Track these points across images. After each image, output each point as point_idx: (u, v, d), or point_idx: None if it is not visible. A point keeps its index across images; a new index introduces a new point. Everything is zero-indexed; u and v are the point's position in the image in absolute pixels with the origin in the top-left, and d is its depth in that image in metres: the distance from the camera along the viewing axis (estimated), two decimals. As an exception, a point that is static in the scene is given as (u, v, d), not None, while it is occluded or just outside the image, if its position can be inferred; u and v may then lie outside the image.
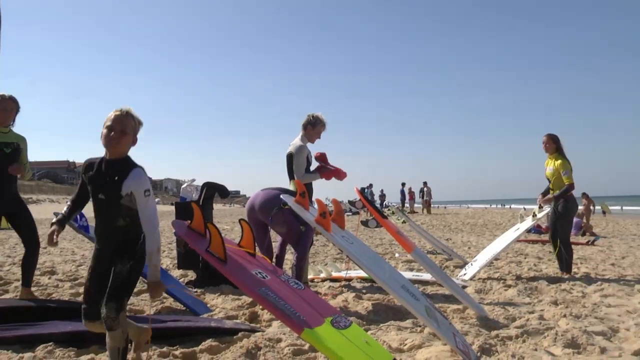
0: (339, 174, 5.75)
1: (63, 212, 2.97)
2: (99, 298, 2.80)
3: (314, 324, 2.59)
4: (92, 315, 2.84)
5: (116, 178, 2.74)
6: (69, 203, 3.01)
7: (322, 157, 5.90)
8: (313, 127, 5.84)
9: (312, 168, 5.90)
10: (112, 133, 2.75)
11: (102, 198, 2.77)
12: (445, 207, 51.79)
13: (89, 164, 2.88)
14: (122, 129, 2.77)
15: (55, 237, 2.85)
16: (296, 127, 5.96)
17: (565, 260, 6.99)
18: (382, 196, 33.63)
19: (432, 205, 33.64)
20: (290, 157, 5.77)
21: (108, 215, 2.79)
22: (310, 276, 6.82)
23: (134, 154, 2.81)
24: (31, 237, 4.94)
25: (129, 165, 2.78)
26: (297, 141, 5.84)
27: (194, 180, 6.69)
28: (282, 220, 5.04)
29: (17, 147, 4.96)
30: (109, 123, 2.78)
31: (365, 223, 6.73)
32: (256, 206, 5.14)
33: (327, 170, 5.75)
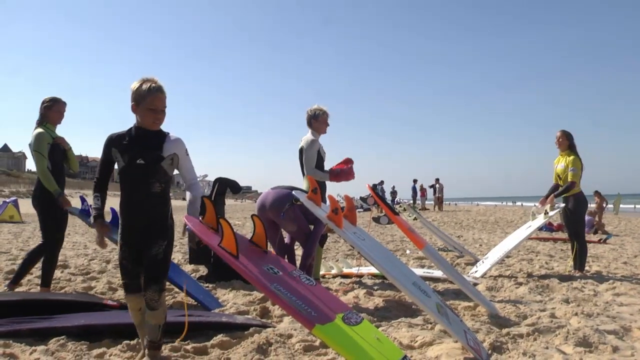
0: (348, 176, 5.71)
1: (95, 205, 3.07)
2: (139, 270, 3.01)
3: (325, 320, 2.59)
4: (133, 288, 3.02)
5: (157, 142, 2.94)
6: (97, 194, 3.09)
7: (344, 162, 5.83)
8: (316, 119, 5.83)
9: (326, 164, 5.87)
10: (161, 115, 2.94)
11: (142, 163, 2.91)
12: (456, 204, 51.61)
13: (118, 136, 2.97)
14: (165, 108, 2.96)
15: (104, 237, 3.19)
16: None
17: (578, 258, 6.95)
18: (394, 193, 33.59)
19: (444, 202, 33.51)
20: (301, 152, 5.76)
21: (144, 181, 2.92)
22: (321, 272, 6.82)
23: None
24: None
25: (163, 132, 3.01)
26: (308, 135, 5.82)
27: (206, 175, 6.72)
28: (293, 217, 5.04)
29: (64, 147, 5.38)
30: (156, 105, 2.90)
31: (376, 220, 6.73)
32: (267, 205, 5.15)
33: (337, 174, 5.70)
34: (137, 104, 2.92)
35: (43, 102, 5.30)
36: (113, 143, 2.95)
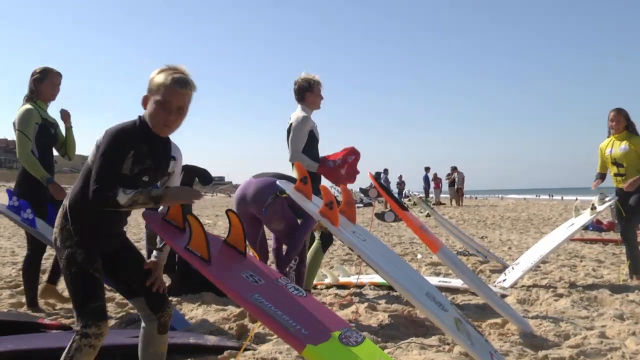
0: (338, 179, 5.70)
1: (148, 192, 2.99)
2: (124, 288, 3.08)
3: (318, 340, 2.61)
4: (106, 313, 2.95)
5: (166, 159, 3.00)
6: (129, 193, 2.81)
7: (346, 153, 5.83)
8: (311, 91, 5.83)
9: (321, 148, 5.88)
10: (175, 118, 2.89)
11: (146, 180, 2.92)
12: (476, 198, 51.73)
13: (136, 137, 2.86)
14: (184, 109, 2.92)
15: None
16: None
17: (632, 263, 7.00)
18: (401, 183, 33.73)
19: (464, 196, 33.63)
20: (289, 133, 5.76)
21: None
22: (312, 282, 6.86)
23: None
24: None
25: (169, 141, 3.05)
26: (298, 112, 5.82)
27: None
28: (278, 213, 4.97)
29: (57, 128, 5.53)
30: (171, 101, 2.84)
31: (380, 216, 6.75)
32: (248, 197, 5.06)
33: (329, 168, 5.67)
34: (149, 94, 2.89)
35: (33, 74, 5.38)
36: (133, 145, 2.84)
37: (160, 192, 2.72)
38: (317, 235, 5.99)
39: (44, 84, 5.35)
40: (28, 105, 5.26)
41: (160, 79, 2.85)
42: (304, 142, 5.66)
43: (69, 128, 5.49)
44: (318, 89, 5.87)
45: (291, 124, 5.74)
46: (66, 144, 5.53)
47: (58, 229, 2.91)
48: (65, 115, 5.45)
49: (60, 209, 2.95)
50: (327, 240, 6.11)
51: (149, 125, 2.88)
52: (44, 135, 5.28)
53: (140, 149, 2.84)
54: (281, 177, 5.12)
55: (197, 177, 6.40)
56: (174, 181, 3.11)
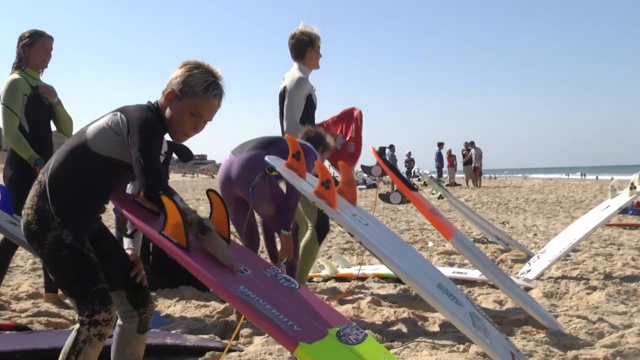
0: (351, 156, 5.73)
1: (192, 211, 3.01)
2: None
3: (313, 337, 2.62)
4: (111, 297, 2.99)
5: (168, 155, 3.08)
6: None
7: (343, 116, 5.82)
8: (313, 46, 5.77)
9: (317, 115, 5.83)
10: (200, 129, 3.03)
11: None
12: (495, 177, 51.71)
13: (161, 131, 3.01)
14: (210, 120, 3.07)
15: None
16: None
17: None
18: (410, 161, 33.69)
19: (482, 175, 33.62)
20: (283, 97, 5.69)
21: (125, 184, 3.15)
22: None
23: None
24: None
25: None
26: (294, 72, 5.75)
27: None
28: (267, 194, 4.89)
29: (49, 100, 5.43)
30: (206, 114, 2.98)
31: (385, 198, 6.73)
32: (233, 175, 4.95)
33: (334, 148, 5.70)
34: (179, 94, 2.95)
35: (20, 39, 5.35)
36: (160, 142, 3.01)
37: (212, 226, 2.86)
38: (310, 224, 5.87)
39: (34, 49, 5.31)
40: (15, 75, 5.24)
41: (199, 85, 2.91)
42: (302, 109, 5.59)
43: (56, 104, 5.43)
44: (318, 45, 5.81)
45: (285, 88, 5.66)
46: (58, 120, 5.47)
47: (32, 210, 2.89)
48: (45, 92, 5.35)
49: (35, 188, 2.94)
50: (322, 229, 5.94)
51: (163, 121, 2.97)
52: (34, 107, 5.24)
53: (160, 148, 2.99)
54: (267, 144, 5.04)
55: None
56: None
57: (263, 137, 5.14)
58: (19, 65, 5.31)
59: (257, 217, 5.29)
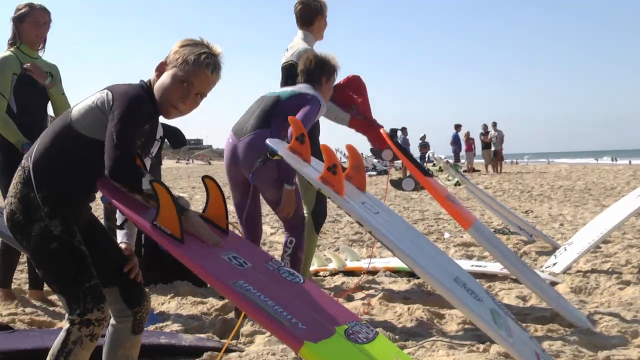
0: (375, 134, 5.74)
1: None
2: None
3: (319, 336, 2.62)
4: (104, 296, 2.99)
5: (154, 139, 3.13)
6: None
7: (353, 82, 5.81)
8: (322, 14, 5.74)
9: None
10: (193, 104, 3.02)
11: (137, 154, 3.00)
12: (517, 162, 51.63)
13: (151, 107, 2.97)
14: (205, 96, 3.07)
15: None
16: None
17: None
18: (425, 145, 33.57)
19: (503, 160, 33.55)
20: (289, 71, 5.63)
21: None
22: (313, 268, 6.88)
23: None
24: None
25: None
26: (299, 43, 5.71)
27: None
28: (270, 179, 4.90)
29: (51, 78, 5.43)
30: (202, 89, 2.99)
31: (397, 184, 6.70)
32: (240, 154, 4.96)
33: (359, 120, 5.68)
34: (170, 64, 2.96)
35: (14, 13, 5.34)
36: (149, 119, 2.96)
37: (188, 205, 2.85)
38: (306, 210, 5.79)
39: (25, 23, 5.29)
40: (5, 53, 5.23)
41: (189, 53, 2.92)
42: None
43: (50, 86, 5.38)
44: (325, 13, 5.81)
45: (290, 62, 5.62)
46: (53, 104, 5.44)
47: (15, 199, 2.88)
48: (32, 70, 5.28)
49: (18, 175, 2.92)
50: (319, 214, 5.92)
51: (155, 100, 2.96)
52: (25, 88, 5.22)
53: (145, 128, 2.95)
54: (266, 118, 5.00)
55: (167, 138, 6.37)
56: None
57: (260, 110, 5.07)
58: (13, 42, 5.30)
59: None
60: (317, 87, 5.22)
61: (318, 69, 5.25)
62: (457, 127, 32.27)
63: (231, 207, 5.15)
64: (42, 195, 2.84)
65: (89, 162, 2.90)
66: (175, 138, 6.39)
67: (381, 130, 5.97)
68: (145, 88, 2.97)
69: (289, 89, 5.21)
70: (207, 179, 3.12)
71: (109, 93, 2.86)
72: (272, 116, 4.98)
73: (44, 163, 2.87)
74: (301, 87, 5.16)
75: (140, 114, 2.84)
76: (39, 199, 2.83)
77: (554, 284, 6.05)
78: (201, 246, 2.87)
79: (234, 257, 2.94)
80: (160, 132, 3.20)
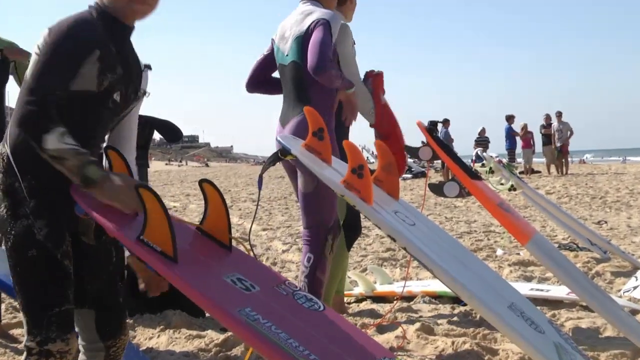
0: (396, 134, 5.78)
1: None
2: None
3: (344, 376, 2.63)
4: (72, 321, 2.99)
5: (140, 64, 3.19)
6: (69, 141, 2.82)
7: (376, 81, 5.87)
8: None
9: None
10: None
11: (117, 101, 3.06)
12: (583, 161, 51.34)
13: (99, 32, 2.95)
14: None
15: None
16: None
17: None
18: (483, 141, 32.90)
19: (569, 159, 33.33)
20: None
21: (102, 131, 3.19)
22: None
23: None
24: None
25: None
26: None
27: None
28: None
29: (4, 58, 5.61)
30: None
31: (437, 188, 6.69)
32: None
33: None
34: None
35: None
36: (97, 43, 2.91)
37: (97, 174, 2.75)
38: None
39: None
40: None
41: None
42: (352, 57, 5.73)
43: (20, 63, 5.48)
44: None
45: (309, 26, 5.56)
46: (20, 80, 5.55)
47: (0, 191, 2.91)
48: (8, 53, 5.44)
49: None
50: (352, 228, 5.99)
51: (110, 14, 2.98)
52: None
53: (108, 50, 2.93)
54: (304, 96, 5.21)
55: (160, 133, 6.41)
56: (134, 112, 3.26)
57: (291, 87, 5.38)
58: None
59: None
60: (343, 6, 5.72)
61: None
62: (509, 118, 31.85)
63: (234, 219, 5.14)
64: (28, 185, 2.86)
65: (74, 124, 2.87)
66: (172, 131, 6.42)
67: (417, 123, 5.98)
68: (94, 11, 2.98)
69: (291, 41, 5.43)
70: (205, 184, 3.13)
71: (46, 30, 2.86)
72: (306, 88, 5.25)
73: (22, 146, 2.87)
74: (304, 21, 5.39)
75: (75, 44, 2.83)
76: (24, 189, 2.85)
77: (634, 312, 6.02)
78: (199, 266, 2.89)
79: (239, 279, 2.96)
80: (145, 83, 3.22)
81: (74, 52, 2.82)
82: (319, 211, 5.19)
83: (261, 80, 5.85)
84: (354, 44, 5.82)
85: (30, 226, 2.82)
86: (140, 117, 6.22)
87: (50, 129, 2.66)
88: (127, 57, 3.05)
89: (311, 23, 5.30)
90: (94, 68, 2.86)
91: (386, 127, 6.02)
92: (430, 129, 6.14)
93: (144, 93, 3.21)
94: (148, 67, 3.23)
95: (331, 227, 5.21)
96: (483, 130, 31.99)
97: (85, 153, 2.71)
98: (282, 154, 4.60)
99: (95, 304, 3.07)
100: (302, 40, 5.35)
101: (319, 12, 5.36)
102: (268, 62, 5.75)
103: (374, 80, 6.00)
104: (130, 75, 3.07)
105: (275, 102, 5.82)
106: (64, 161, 2.68)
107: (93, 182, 2.72)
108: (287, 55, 5.40)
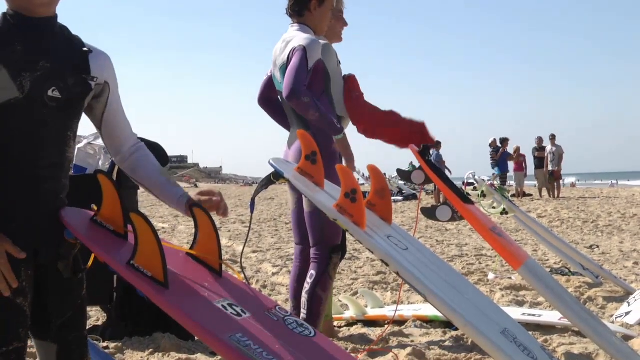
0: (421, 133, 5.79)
1: None
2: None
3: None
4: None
5: (78, 52, 3.03)
6: None
7: (348, 83, 5.90)
8: (322, 2, 5.74)
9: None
10: None
11: (57, 97, 2.90)
12: (574, 185, 51.40)
13: None
14: None
15: None
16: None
17: None
18: (507, 155, 32.61)
19: (562, 182, 33.35)
20: (284, 71, 5.65)
21: (57, 134, 2.96)
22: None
23: None
24: None
25: (75, 36, 3.10)
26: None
27: (98, 136, 6.71)
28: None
29: None
30: None
31: (430, 212, 6.70)
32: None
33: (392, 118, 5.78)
34: None
35: None
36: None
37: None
38: None
39: None
40: None
41: None
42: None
43: None
44: (338, 7, 5.90)
45: (283, 59, 5.56)
46: None
47: None
48: None
49: None
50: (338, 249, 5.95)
51: (15, 12, 2.89)
52: None
53: (12, 50, 2.83)
54: (295, 114, 5.30)
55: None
56: (115, 108, 3.17)
57: (289, 109, 5.48)
58: None
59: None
60: (306, 18, 5.63)
61: None
62: (504, 141, 31.90)
63: (224, 241, 5.14)
64: None
65: (13, 149, 2.84)
66: (157, 156, 6.39)
67: (410, 147, 5.97)
68: (6, 13, 2.89)
69: (278, 70, 5.57)
70: (195, 209, 3.12)
71: None
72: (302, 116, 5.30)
73: None
74: (285, 50, 5.50)
75: None
76: None
77: (627, 338, 6.01)
78: (190, 291, 2.88)
79: (230, 304, 2.95)
80: (99, 71, 3.08)
81: None
82: (322, 229, 5.22)
83: (268, 98, 5.97)
84: (339, 63, 5.91)
85: None
86: None
87: None
88: (53, 49, 2.93)
89: (290, 51, 5.38)
90: (2, 75, 2.76)
91: (367, 122, 6.02)
92: (423, 152, 6.14)
93: (93, 78, 3.01)
94: (90, 51, 3.12)
95: (337, 246, 5.23)
96: (494, 142, 31.78)
97: None
98: (274, 177, 4.61)
99: (59, 338, 3.01)
100: (285, 69, 5.40)
101: (297, 39, 5.42)
102: (272, 84, 5.82)
103: (347, 82, 6.02)
104: (64, 66, 2.93)
105: (265, 124, 5.90)
106: None
107: None
108: (280, 82, 5.46)
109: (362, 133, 6.03)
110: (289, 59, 5.30)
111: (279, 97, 5.68)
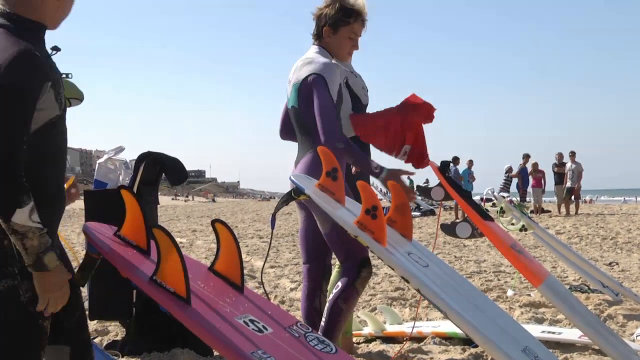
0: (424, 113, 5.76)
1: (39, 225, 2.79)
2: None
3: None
4: None
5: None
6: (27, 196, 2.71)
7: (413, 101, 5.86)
8: (335, 28, 5.66)
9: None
10: None
11: (64, 115, 2.98)
12: (591, 201, 51.05)
13: (44, 58, 2.89)
14: None
15: None
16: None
17: None
18: (524, 173, 32.49)
19: (580, 199, 33.15)
20: (297, 90, 5.63)
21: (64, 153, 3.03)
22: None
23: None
24: None
25: None
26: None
27: (121, 149, 6.68)
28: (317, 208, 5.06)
29: None
30: None
31: (449, 229, 6.69)
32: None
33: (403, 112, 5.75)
34: None
35: None
36: (47, 77, 2.82)
37: (54, 263, 2.74)
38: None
39: None
40: None
41: None
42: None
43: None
44: (351, 27, 5.81)
45: (298, 83, 5.48)
46: None
47: None
48: None
49: None
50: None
51: (36, 19, 2.92)
52: None
53: (51, 64, 2.90)
54: (302, 137, 5.22)
55: (164, 171, 6.38)
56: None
57: (297, 131, 5.39)
58: None
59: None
60: (325, 42, 5.57)
61: (317, 20, 5.57)
62: (525, 157, 31.78)
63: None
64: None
65: (57, 154, 2.93)
66: (177, 171, 6.36)
67: (429, 163, 5.95)
68: (5, 16, 2.87)
69: (291, 87, 5.48)
70: (218, 225, 3.13)
71: None
72: (310, 132, 5.22)
73: None
74: (302, 69, 5.42)
75: (27, 85, 2.71)
76: (14, 247, 2.75)
77: (648, 356, 5.99)
78: (211, 307, 2.89)
79: (252, 320, 2.96)
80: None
81: (28, 95, 2.71)
82: (343, 245, 5.12)
83: (290, 128, 5.75)
84: (366, 90, 5.97)
85: (15, 288, 2.78)
86: (151, 153, 6.24)
87: (22, 202, 2.61)
88: (48, 56, 2.99)
89: (308, 75, 5.32)
90: (50, 95, 2.80)
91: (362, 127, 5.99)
92: (443, 168, 6.13)
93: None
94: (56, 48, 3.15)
95: (366, 259, 5.16)
96: (509, 169, 31.61)
97: (47, 237, 2.69)
98: (295, 194, 4.62)
99: (70, 339, 3.04)
100: (299, 88, 5.40)
101: (314, 65, 5.36)
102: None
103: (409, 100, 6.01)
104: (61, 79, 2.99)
105: (282, 140, 5.86)
106: (24, 239, 2.63)
107: (45, 269, 2.69)
108: (290, 99, 5.45)
109: (362, 140, 5.98)
110: (304, 82, 5.28)
111: (287, 111, 5.68)
